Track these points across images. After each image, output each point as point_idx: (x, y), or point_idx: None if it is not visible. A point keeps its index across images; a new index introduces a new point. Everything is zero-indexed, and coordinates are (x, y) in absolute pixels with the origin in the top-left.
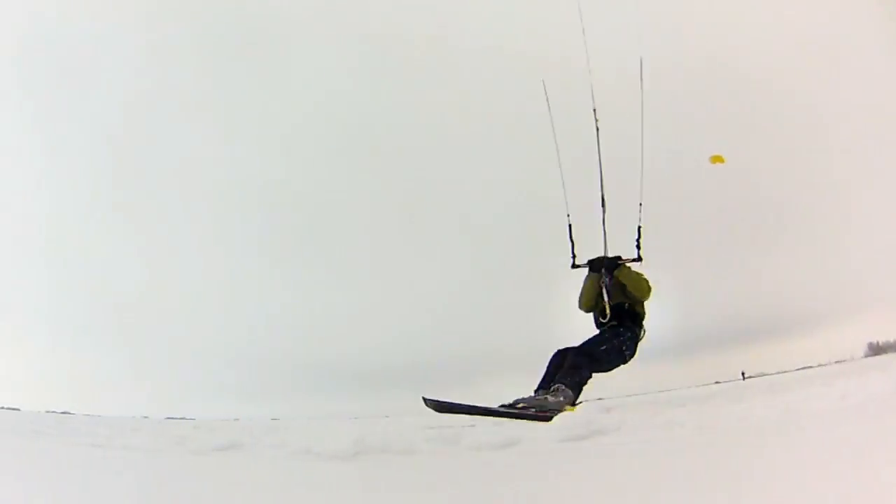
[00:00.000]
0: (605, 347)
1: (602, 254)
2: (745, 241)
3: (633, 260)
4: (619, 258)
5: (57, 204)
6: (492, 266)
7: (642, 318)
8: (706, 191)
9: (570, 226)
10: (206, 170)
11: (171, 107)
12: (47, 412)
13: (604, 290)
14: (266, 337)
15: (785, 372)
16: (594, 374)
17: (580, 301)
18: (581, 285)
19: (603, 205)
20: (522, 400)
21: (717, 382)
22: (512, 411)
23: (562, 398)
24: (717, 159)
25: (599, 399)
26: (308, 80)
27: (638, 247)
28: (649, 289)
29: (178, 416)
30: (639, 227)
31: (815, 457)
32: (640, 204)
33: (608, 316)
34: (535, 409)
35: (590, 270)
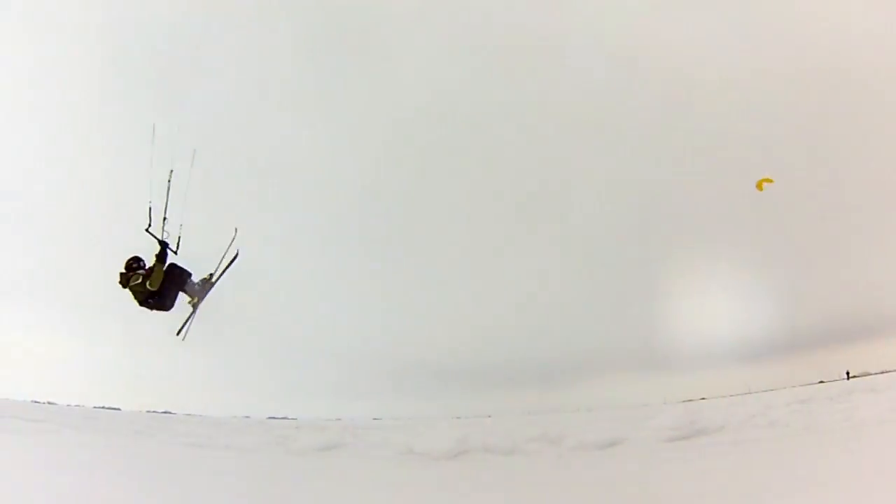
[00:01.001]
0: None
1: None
2: (850, 239)
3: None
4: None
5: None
6: (592, 266)
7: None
8: (811, 190)
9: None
10: (307, 167)
11: (272, 104)
12: (148, 412)
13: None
14: (367, 336)
15: (889, 371)
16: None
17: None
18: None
19: (165, 218)
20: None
21: (821, 382)
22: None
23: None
24: (762, 183)
25: (703, 399)
26: (409, 78)
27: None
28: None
29: (280, 416)
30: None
31: None
32: (165, 218)
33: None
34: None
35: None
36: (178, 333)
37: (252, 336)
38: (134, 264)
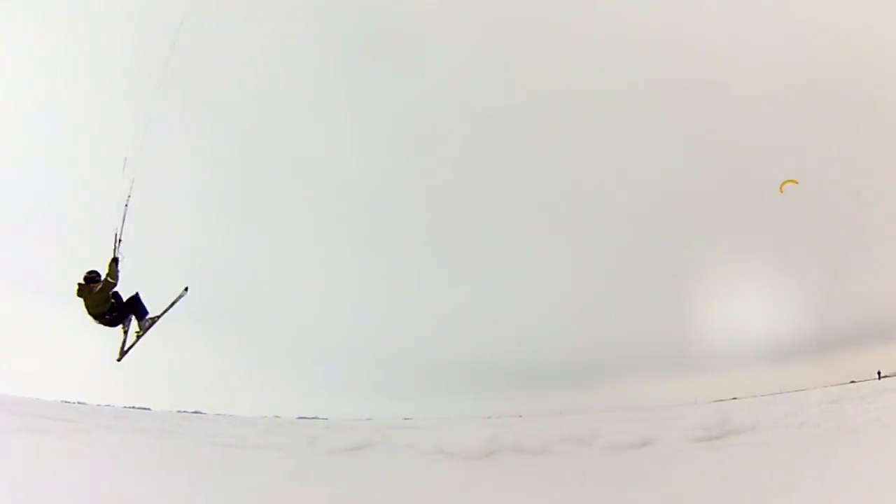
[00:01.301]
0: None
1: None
2: (882, 238)
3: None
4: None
5: (187, 205)
6: (623, 266)
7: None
8: (843, 189)
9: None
10: (338, 167)
11: (301, 104)
12: (178, 412)
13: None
14: (398, 337)
15: None
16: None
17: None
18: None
19: (120, 240)
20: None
21: (852, 381)
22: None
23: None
24: (784, 185)
25: (734, 399)
26: (442, 78)
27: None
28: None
29: (311, 416)
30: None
31: None
32: (120, 240)
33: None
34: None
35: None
36: (118, 360)
37: (282, 336)
38: (97, 277)
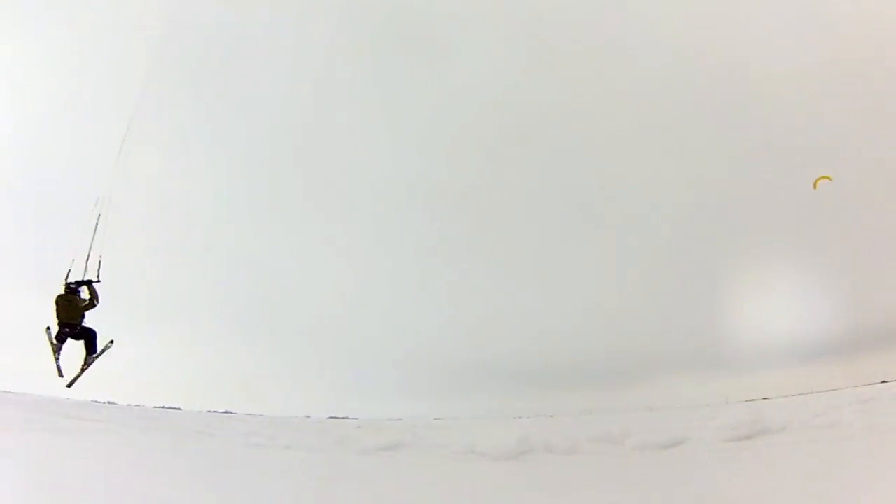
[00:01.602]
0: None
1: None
2: None
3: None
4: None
5: (219, 205)
6: (654, 268)
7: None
8: (875, 190)
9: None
10: (370, 169)
11: (333, 106)
12: (208, 412)
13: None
14: (429, 337)
15: None
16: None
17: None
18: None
19: (88, 257)
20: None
21: (883, 381)
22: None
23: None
24: (818, 182)
25: (765, 399)
26: (474, 78)
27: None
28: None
29: (341, 416)
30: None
31: None
32: (88, 258)
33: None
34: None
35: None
36: (68, 386)
37: (313, 336)
38: (76, 290)
